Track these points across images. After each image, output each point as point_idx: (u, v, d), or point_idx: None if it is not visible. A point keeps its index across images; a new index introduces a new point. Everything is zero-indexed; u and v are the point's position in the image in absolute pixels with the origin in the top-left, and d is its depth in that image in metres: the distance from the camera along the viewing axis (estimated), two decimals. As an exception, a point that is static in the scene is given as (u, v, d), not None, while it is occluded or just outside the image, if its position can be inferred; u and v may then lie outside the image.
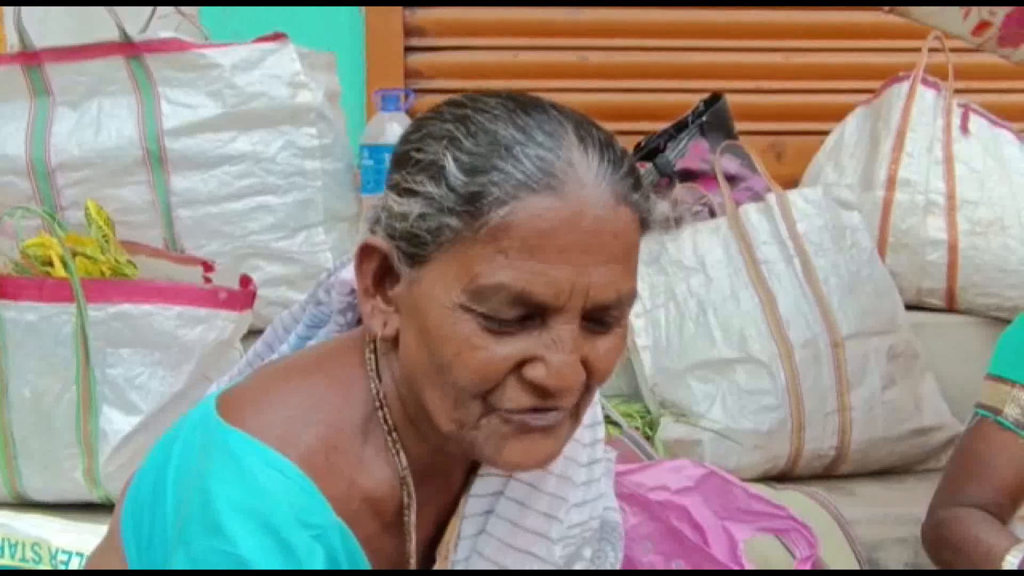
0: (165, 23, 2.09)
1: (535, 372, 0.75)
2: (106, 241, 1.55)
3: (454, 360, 0.76)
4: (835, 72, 2.40)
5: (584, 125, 0.78)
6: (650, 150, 2.09)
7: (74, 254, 1.45)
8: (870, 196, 1.98)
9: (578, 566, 0.90)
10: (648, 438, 1.70)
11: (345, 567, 0.78)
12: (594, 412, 0.93)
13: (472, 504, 0.86)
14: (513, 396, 0.76)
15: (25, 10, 1.73)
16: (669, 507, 1.25)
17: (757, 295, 1.71)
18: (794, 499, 1.50)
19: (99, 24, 1.77)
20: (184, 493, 0.79)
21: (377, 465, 0.82)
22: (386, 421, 0.82)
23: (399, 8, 2.34)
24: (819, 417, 1.66)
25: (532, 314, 0.75)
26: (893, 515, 1.59)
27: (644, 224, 0.79)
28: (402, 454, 0.82)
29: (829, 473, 1.71)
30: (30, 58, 1.71)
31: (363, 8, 2.34)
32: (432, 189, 0.75)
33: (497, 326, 0.75)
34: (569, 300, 0.74)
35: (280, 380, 0.84)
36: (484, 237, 0.74)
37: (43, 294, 1.41)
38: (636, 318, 1.76)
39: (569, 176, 0.74)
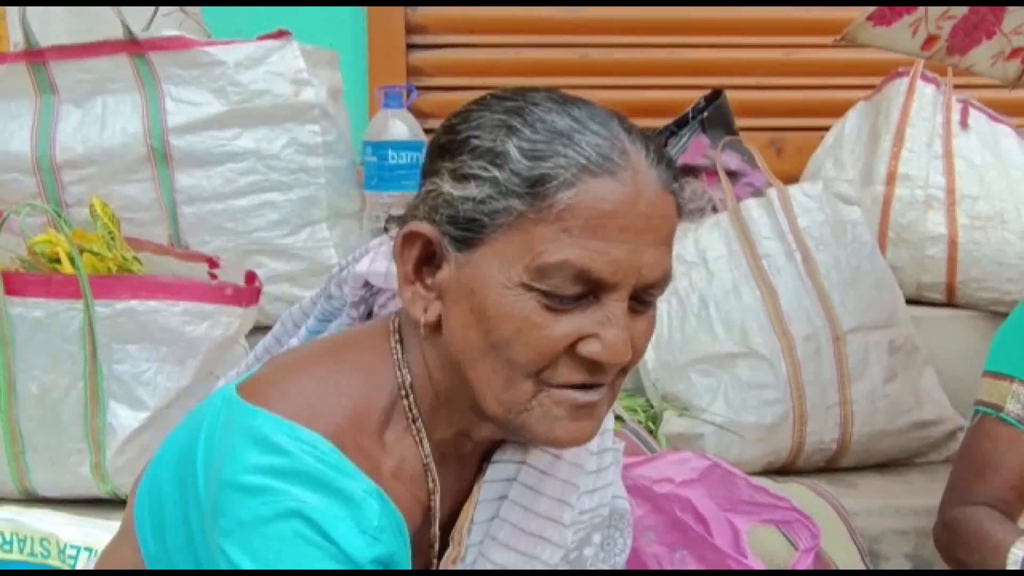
0: (168, 21, 2.10)
1: (591, 348, 0.78)
2: (112, 238, 1.56)
3: (514, 338, 0.78)
4: (835, 68, 2.41)
5: (624, 119, 0.83)
6: (651, 146, 2.10)
7: (81, 250, 1.46)
8: (870, 191, 1.99)
9: (588, 551, 0.91)
10: (651, 432, 1.71)
11: (393, 531, 0.79)
12: None
13: (486, 490, 0.88)
14: (565, 372, 0.79)
15: (29, 8, 1.74)
16: (673, 499, 1.26)
17: (758, 289, 1.72)
18: (796, 492, 1.51)
19: (103, 22, 1.78)
20: (214, 469, 0.79)
21: (400, 451, 0.83)
22: (410, 410, 0.83)
23: (401, 6, 2.35)
24: (820, 410, 1.67)
25: (587, 292, 0.79)
26: (894, 507, 1.60)
27: (680, 211, 0.84)
28: (426, 442, 0.84)
29: (830, 466, 1.72)
30: (35, 56, 1.72)
31: (365, 5, 2.35)
32: (496, 173, 0.78)
33: (557, 303, 0.78)
34: (624, 278, 0.78)
35: (302, 366, 0.84)
36: (549, 218, 0.77)
37: (50, 290, 1.42)
38: (638, 313, 1.77)
39: (625, 162, 0.79)
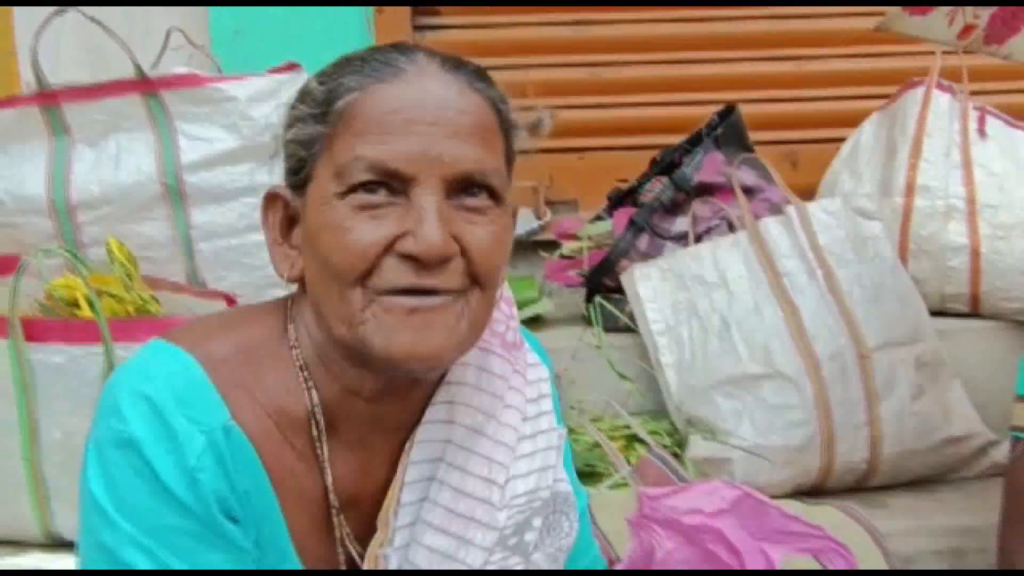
0: (177, 55, 2.10)
1: (406, 244, 0.81)
2: (129, 278, 1.55)
3: (331, 246, 0.82)
4: (848, 79, 2.39)
5: (438, 53, 0.87)
6: (666, 164, 2.08)
7: (99, 293, 1.45)
8: (889, 203, 1.97)
9: (529, 536, 0.91)
10: (676, 457, 1.69)
11: (230, 466, 0.83)
12: (538, 387, 0.97)
13: (412, 471, 0.89)
14: (391, 276, 0.81)
15: (40, 46, 1.73)
16: (704, 530, 1.24)
17: (780, 309, 1.70)
18: (827, 514, 1.49)
19: (114, 59, 1.77)
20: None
21: (282, 395, 0.87)
22: (297, 360, 0.88)
23: (409, 30, 2.35)
24: (849, 430, 1.65)
25: (396, 189, 0.82)
26: (928, 527, 1.57)
27: (504, 119, 0.87)
28: (314, 392, 0.87)
29: (861, 486, 1.69)
30: (47, 98, 1.72)
31: (373, 29, 2.34)
32: (303, 108, 0.86)
33: (366, 202, 0.81)
34: (422, 168, 0.81)
35: (217, 315, 0.97)
36: (342, 129, 0.82)
37: (70, 335, 1.41)
38: (659, 336, 1.75)
39: (412, 67, 0.84)
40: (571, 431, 1.80)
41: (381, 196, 0.81)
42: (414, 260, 0.80)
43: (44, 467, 1.45)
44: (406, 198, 0.81)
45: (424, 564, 0.86)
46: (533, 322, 2.03)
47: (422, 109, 0.81)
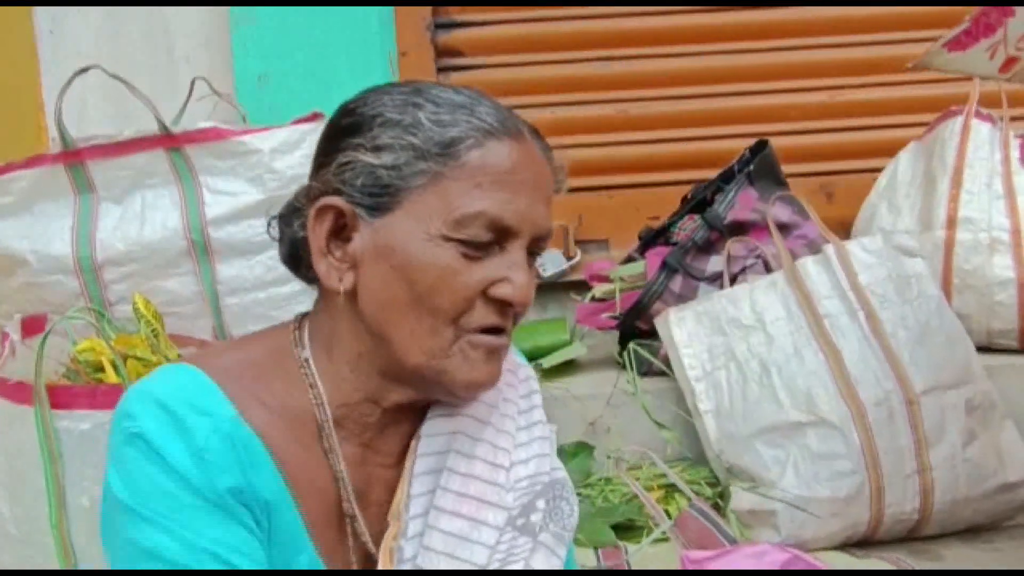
0: (203, 104, 2.10)
1: (503, 290, 0.88)
2: (155, 336, 1.53)
3: (436, 285, 0.87)
4: (882, 108, 2.34)
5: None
6: (698, 202, 2.04)
7: (124, 357, 1.43)
8: (930, 236, 1.92)
9: (535, 517, 0.94)
10: (718, 508, 1.63)
11: (238, 451, 0.86)
12: (528, 384, 1.03)
13: (420, 464, 0.93)
14: (480, 316, 0.89)
15: (64, 102, 1.73)
16: (752, 597, 1.19)
17: (822, 352, 1.64)
18: (879, 568, 1.43)
19: (140, 108, 1.76)
20: None
21: (291, 401, 0.91)
22: (308, 378, 0.92)
23: (433, 73, 2.33)
24: (898, 480, 1.58)
25: (496, 241, 0.88)
26: (986, 580, 1.51)
27: (556, 186, 0.94)
28: (326, 407, 0.91)
29: (912, 536, 1.62)
30: (72, 156, 1.71)
31: (398, 73, 2.33)
32: (412, 140, 0.88)
33: (472, 251, 0.88)
34: (524, 226, 0.89)
35: (233, 341, 0.96)
36: (462, 175, 0.87)
37: (96, 401, 1.38)
38: (696, 382, 1.70)
39: (518, 126, 0.90)
40: (607, 482, 1.75)
41: (484, 247, 0.88)
42: (501, 303, 0.88)
43: (72, 535, 1.42)
44: (500, 248, 0.89)
45: (440, 547, 0.90)
46: (565, 367, 1.99)
47: (530, 171, 0.89)
